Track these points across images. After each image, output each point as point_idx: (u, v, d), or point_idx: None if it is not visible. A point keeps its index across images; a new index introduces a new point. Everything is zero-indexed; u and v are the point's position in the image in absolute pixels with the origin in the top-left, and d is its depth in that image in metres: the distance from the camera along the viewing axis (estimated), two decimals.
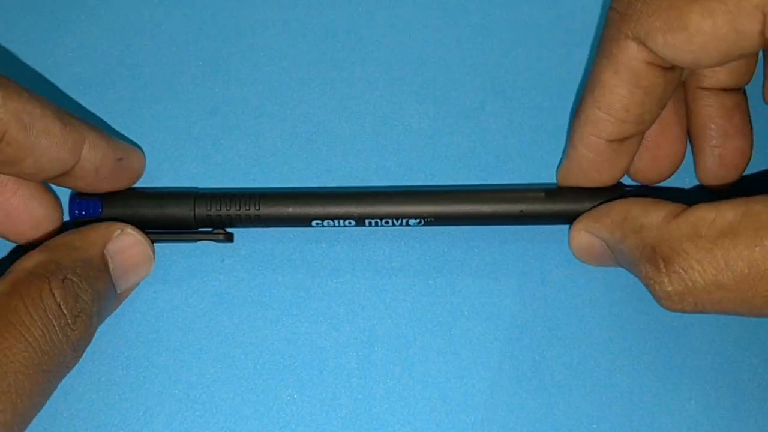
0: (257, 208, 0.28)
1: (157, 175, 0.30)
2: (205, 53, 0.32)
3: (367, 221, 0.28)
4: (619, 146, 0.28)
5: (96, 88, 0.31)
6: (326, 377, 0.28)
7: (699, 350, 0.29)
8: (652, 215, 0.25)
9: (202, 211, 0.28)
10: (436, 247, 0.29)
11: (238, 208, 0.28)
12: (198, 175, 0.30)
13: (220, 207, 0.28)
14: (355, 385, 0.28)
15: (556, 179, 0.30)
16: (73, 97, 0.31)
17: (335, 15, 0.33)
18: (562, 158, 0.30)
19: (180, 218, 0.28)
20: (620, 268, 0.28)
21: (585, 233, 0.28)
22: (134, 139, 0.30)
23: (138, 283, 0.28)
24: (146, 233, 0.28)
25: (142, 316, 0.28)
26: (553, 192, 0.29)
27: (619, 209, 0.27)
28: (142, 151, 0.30)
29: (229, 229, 0.29)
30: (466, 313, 0.29)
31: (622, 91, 0.26)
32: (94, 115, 0.31)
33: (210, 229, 0.29)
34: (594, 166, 0.28)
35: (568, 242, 0.29)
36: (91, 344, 0.27)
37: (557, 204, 0.29)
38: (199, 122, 0.31)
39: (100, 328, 0.28)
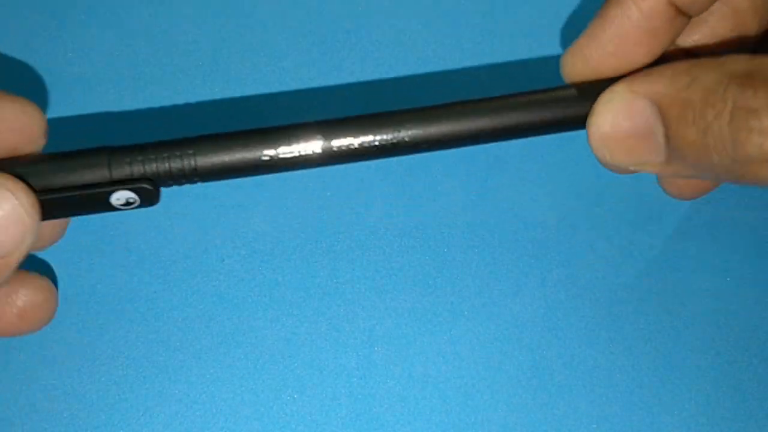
0: (191, 153, 0.23)
1: None
2: (205, 53, 0.32)
3: (333, 158, 0.23)
4: (673, 17, 0.23)
5: (96, 88, 0.31)
6: (326, 377, 0.28)
7: (699, 350, 0.29)
8: (734, 55, 0.20)
9: (122, 170, 0.22)
10: (436, 246, 0.29)
11: (165, 158, 0.22)
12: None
13: (144, 162, 0.22)
14: (355, 385, 0.28)
15: (565, 64, 0.24)
16: (74, 97, 0.31)
17: (335, 15, 0.33)
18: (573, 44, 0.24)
19: (95, 183, 0.22)
20: (617, 271, 0.28)
21: (628, 95, 0.22)
22: (134, 140, 0.30)
23: (21, 252, 0.22)
24: (41, 200, 0.22)
25: (142, 316, 0.28)
26: (587, 87, 0.23)
27: (683, 61, 0.21)
28: (39, 109, 0.24)
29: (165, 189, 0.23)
30: (466, 313, 0.29)
31: None
32: (93, 115, 0.31)
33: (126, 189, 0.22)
34: (638, 35, 0.23)
35: (591, 121, 0.23)
36: (91, 344, 0.28)
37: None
38: (198, 122, 0.31)
39: (100, 328, 0.28)
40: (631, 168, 0.23)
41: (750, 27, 0.25)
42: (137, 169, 0.23)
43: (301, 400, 0.28)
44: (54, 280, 0.28)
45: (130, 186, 0.22)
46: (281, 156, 0.23)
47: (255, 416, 0.27)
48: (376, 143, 0.23)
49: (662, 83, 0.21)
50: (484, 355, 0.28)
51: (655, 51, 0.24)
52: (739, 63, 0.20)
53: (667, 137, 0.21)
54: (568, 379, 0.28)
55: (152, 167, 0.23)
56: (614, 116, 0.22)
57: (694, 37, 0.25)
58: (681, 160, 0.21)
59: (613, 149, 0.22)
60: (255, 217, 0.30)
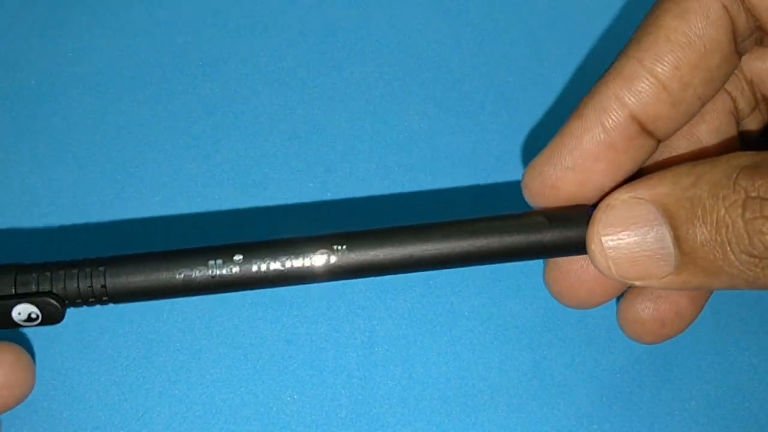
0: (101, 279, 0.22)
1: (158, 177, 0.30)
2: (205, 53, 0.32)
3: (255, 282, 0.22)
4: (637, 134, 0.22)
5: (96, 88, 0.31)
6: (326, 377, 0.28)
7: (699, 350, 0.29)
8: (736, 152, 0.20)
9: (27, 286, 0.21)
10: None
11: (74, 275, 0.21)
12: (199, 175, 0.30)
13: (53, 279, 0.21)
14: (355, 385, 0.28)
15: (525, 181, 0.24)
16: (73, 97, 0.31)
17: (335, 15, 0.33)
18: (532, 163, 0.24)
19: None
20: None
21: (630, 201, 0.20)
22: (134, 140, 0.30)
23: None
24: None
25: (142, 317, 0.28)
26: (557, 215, 0.22)
27: (682, 164, 0.20)
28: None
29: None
30: (466, 313, 0.29)
31: (681, 38, 0.21)
32: (93, 114, 0.31)
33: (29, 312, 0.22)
34: (597, 149, 0.22)
35: (592, 232, 0.21)
36: (91, 344, 0.27)
37: (568, 229, 0.22)
38: (198, 122, 0.31)
39: (100, 328, 0.28)
40: (638, 282, 0.21)
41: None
42: (44, 286, 0.22)
43: (301, 400, 0.27)
44: None
45: (33, 300, 0.21)
46: (197, 278, 0.22)
47: (255, 416, 0.27)
48: (297, 267, 0.22)
49: (665, 185, 0.20)
50: (484, 355, 0.28)
51: (616, 169, 0.22)
52: (744, 157, 0.19)
53: (677, 241, 0.20)
54: (568, 379, 0.28)
55: (60, 285, 0.22)
56: (617, 224, 0.21)
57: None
58: (692, 267, 0.20)
59: (618, 261, 0.21)
60: (254, 217, 0.30)
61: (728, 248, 0.19)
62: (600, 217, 0.21)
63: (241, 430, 0.27)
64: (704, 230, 0.19)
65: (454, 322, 0.28)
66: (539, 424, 0.27)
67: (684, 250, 0.20)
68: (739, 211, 0.19)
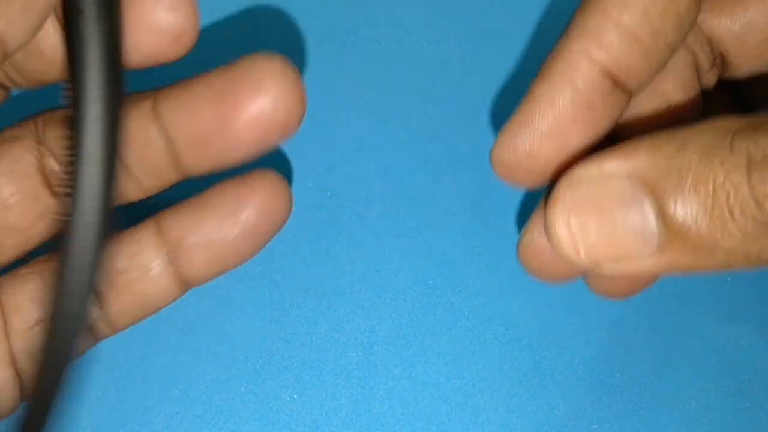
0: None
1: None
2: (206, 53, 0.32)
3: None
4: (610, 90, 0.20)
5: None
6: (326, 377, 0.28)
7: (699, 350, 0.29)
8: (722, 116, 0.18)
9: None
10: (435, 246, 0.29)
11: None
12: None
13: None
14: (355, 385, 0.28)
15: (495, 153, 0.21)
16: None
17: (335, 15, 0.33)
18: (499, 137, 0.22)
19: None
20: None
21: (600, 177, 0.18)
22: None
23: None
24: None
25: None
26: None
27: (656, 133, 0.18)
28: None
29: None
30: (466, 313, 0.29)
31: None
32: None
33: None
34: (573, 111, 0.20)
35: (552, 215, 0.18)
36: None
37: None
38: None
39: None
40: (608, 266, 0.18)
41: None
42: None
43: (301, 400, 0.28)
44: None
45: None
46: None
47: (255, 416, 0.27)
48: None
49: (643, 155, 0.18)
50: (484, 355, 0.28)
51: (594, 129, 0.20)
52: (732, 121, 0.18)
53: (663, 218, 0.18)
54: (568, 379, 0.28)
55: None
56: (585, 205, 0.18)
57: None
58: (681, 245, 0.18)
59: (589, 247, 0.18)
60: None
61: (728, 217, 0.17)
62: (564, 195, 0.19)
63: (241, 430, 0.27)
64: (697, 199, 0.17)
65: (454, 322, 0.29)
66: (539, 423, 0.27)
67: (671, 227, 0.18)
68: (743, 174, 0.17)
